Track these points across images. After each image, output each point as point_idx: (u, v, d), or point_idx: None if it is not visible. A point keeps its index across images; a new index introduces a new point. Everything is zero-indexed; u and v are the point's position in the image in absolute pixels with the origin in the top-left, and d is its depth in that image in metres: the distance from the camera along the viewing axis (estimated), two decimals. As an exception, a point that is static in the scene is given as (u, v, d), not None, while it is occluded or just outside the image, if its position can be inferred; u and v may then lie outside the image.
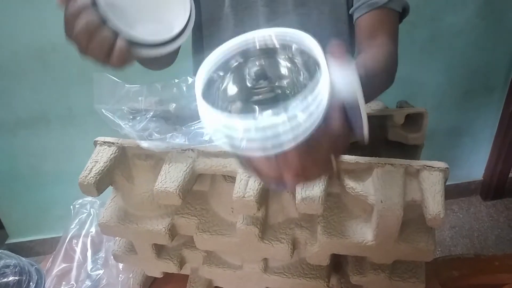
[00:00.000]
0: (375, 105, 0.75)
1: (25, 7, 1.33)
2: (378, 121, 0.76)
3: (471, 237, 1.92)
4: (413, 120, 0.73)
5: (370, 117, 0.72)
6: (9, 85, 1.46)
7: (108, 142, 0.60)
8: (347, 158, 0.55)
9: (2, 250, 0.57)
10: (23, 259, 0.58)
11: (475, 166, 2.07)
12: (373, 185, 0.52)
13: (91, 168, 0.57)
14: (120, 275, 0.71)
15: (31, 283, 0.54)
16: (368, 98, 0.45)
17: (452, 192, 2.04)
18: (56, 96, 1.50)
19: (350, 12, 0.76)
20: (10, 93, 1.48)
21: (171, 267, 0.65)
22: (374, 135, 0.76)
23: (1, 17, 1.34)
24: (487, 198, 2.09)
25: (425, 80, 1.64)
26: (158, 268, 0.66)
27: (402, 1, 0.72)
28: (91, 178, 0.56)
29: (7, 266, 0.55)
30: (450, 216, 2.03)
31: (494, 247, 1.85)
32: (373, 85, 0.59)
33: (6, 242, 1.72)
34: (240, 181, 0.53)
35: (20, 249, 1.68)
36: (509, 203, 2.10)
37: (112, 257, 0.67)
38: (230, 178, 0.59)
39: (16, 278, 0.54)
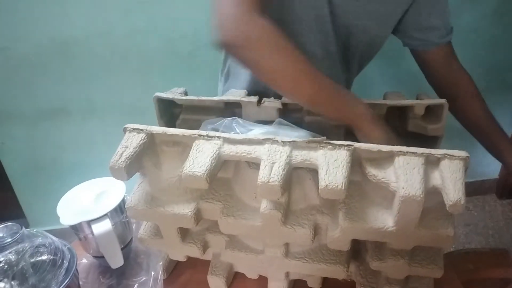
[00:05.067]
0: (396, 96, 0.76)
1: (49, 0, 1.36)
2: (398, 112, 0.77)
3: (486, 235, 1.92)
4: (433, 112, 0.74)
5: (391, 108, 0.74)
6: (31, 77, 1.50)
7: (137, 129, 0.62)
8: (369, 146, 0.56)
9: (38, 230, 0.60)
10: (56, 239, 0.60)
11: (491, 165, 2.06)
12: (394, 173, 0.54)
13: (122, 153, 0.59)
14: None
15: (64, 261, 0.57)
16: None
17: (467, 190, 2.02)
18: (77, 89, 1.54)
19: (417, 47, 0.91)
20: (32, 85, 1.52)
21: (195, 251, 0.67)
22: (394, 126, 0.78)
23: (25, 10, 1.37)
24: (502, 196, 2.08)
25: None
26: (182, 252, 0.68)
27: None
28: (121, 163, 0.58)
29: (43, 245, 0.58)
30: (465, 214, 2.03)
31: (509, 245, 1.85)
32: None
33: (27, 231, 1.77)
34: (265, 166, 0.55)
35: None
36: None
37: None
38: (254, 165, 0.61)
39: (51, 256, 0.57)
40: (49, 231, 0.66)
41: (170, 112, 0.81)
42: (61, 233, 0.68)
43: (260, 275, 0.71)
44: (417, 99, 0.76)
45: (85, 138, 1.64)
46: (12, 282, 0.52)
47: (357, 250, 0.66)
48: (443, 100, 0.73)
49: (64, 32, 1.42)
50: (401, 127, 0.78)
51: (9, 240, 0.55)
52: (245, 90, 0.80)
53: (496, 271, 0.86)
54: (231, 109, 0.79)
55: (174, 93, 0.77)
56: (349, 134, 0.75)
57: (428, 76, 0.95)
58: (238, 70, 0.91)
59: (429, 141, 0.76)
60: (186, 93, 0.78)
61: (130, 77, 1.54)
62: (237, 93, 0.79)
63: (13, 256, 0.54)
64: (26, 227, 0.60)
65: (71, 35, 1.43)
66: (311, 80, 0.62)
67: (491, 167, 2.07)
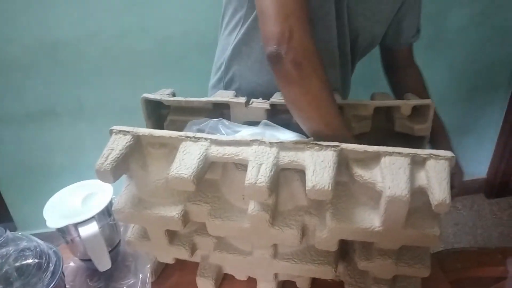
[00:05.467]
0: (383, 97, 0.77)
1: (39, 2, 1.35)
2: (385, 113, 0.78)
3: (474, 234, 1.94)
4: (419, 112, 0.75)
5: (378, 109, 0.74)
6: (20, 78, 1.49)
7: (124, 131, 0.62)
8: (355, 147, 0.56)
9: (22, 233, 0.59)
10: (42, 242, 0.60)
11: (479, 164, 2.08)
12: (381, 173, 0.54)
13: (107, 156, 0.59)
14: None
15: (50, 265, 0.56)
16: None
17: (456, 189, 2.04)
18: (66, 91, 1.53)
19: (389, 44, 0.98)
20: (21, 87, 1.50)
21: (183, 253, 0.67)
22: (381, 126, 0.78)
23: (14, 11, 1.36)
24: (491, 196, 2.10)
25: (430, 77, 1.64)
26: (170, 254, 0.68)
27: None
28: (107, 165, 0.57)
29: (28, 249, 0.57)
30: (454, 214, 2.04)
31: (497, 244, 1.86)
32: None
33: (15, 235, 1.74)
34: (252, 168, 0.55)
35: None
36: (512, 201, 2.12)
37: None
38: (241, 166, 0.61)
39: (36, 260, 0.56)
40: (37, 235, 0.65)
41: (158, 113, 0.81)
42: (49, 236, 0.67)
43: (249, 276, 0.71)
44: (403, 99, 0.76)
45: (74, 140, 1.63)
46: (-4, 287, 0.52)
47: (345, 251, 0.67)
48: (429, 101, 0.73)
49: (53, 34, 1.41)
50: (388, 127, 0.78)
51: (-8, 244, 0.55)
52: (234, 91, 0.80)
53: (485, 270, 0.87)
54: (219, 110, 0.79)
55: (162, 94, 0.77)
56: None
57: (389, 74, 1.03)
58: (246, 77, 0.90)
59: (416, 141, 0.76)
60: (174, 94, 0.78)
61: (120, 79, 1.53)
62: (225, 94, 0.79)
63: (-4, 261, 0.54)
64: (13, 230, 0.60)
65: (61, 37, 1.41)
66: (325, 118, 0.62)
67: (480, 167, 2.09)
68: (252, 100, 0.76)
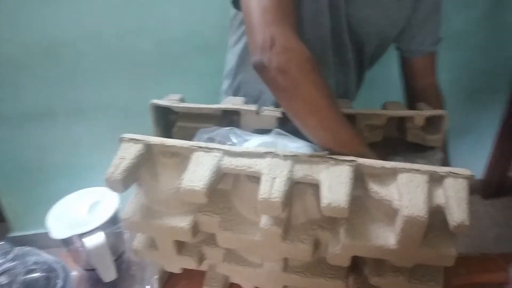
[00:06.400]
0: (395, 106, 0.76)
1: (37, 0, 1.32)
2: (396, 122, 0.77)
3: (471, 235, 1.94)
4: (432, 122, 0.74)
5: (389, 118, 0.73)
6: (17, 78, 1.46)
7: (134, 139, 0.60)
8: (372, 163, 0.55)
9: (30, 248, 0.58)
10: (49, 256, 0.58)
11: (476, 165, 2.09)
12: (397, 190, 0.53)
13: (118, 165, 0.57)
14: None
15: (58, 280, 0.55)
16: None
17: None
18: (64, 91, 1.50)
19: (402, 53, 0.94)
20: (18, 86, 1.48)
21: (191, 263, 0.66)
22: (392, 136, 0.77)
23: (11, 10, 1.33)
24: (487, 197, 2.10)
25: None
26: (178, 264, 0.67)
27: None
28: (118, 175, 0.56)
29: (36, 263, 0.55)
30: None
31: (494, 245, 1.87)
32: None
33: (8, 236, 1.72)
34: (266, 182, 0.54)
35: (22, 243, 1.67)
36: (508, 202, 2.11)
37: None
38: (254, 178, 0.60)
39: (46, 275, 0.55)
40: (32, 236, 0.64)
41: (166, 119, 0.79)
42: (45, 238, 0.65)
43: (255, 287, 0.70)
44: (416, 109, 0.76)
45: (72, 141, 1.60)
46: (6, 305, 0.50)
47: (355, 263, 0.66)
48: (443, 112, 0.73)
49: (52, 33, 1.38)
50: (399, 136, 0.78)
51: (0, 261, 0.53)
52: (244, 98, 0.79)
53: (488, 276, 0.87)
54: (229, 117, 0.77)
55: (170, 100, 0.76)
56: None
57: (404, 85, 0.98)
58: (251, 84, 0.90)
59: (427, 151, 0.76)
60: (183, 100, 0.77)
61: (120, 79, 1.50)
62: (235, 101, 0.77)
63: (5, 278, 0.52)
64: (7, 231, 0.58)
65: (59, 36, 1.39)
66: (324, 124, 0.60)
67: (476, 168, 2.10)
68: (263, 107, 0.75)
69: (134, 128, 0.61)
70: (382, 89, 1.06)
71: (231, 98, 0.80)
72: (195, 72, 1.51)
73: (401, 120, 0.77)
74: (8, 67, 1.42)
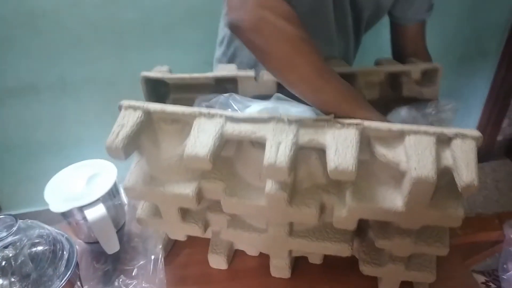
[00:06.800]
0: (390, 63, 0.75)
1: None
2: (392, 80, 0.76)
3: (472, 198, 1.96)
4: (426, 77, 0.74)
5: (386, 75, 0.73)
6: (-5, 52, 1.39)
7: (134, 106, 0.58)
8: (379, 125, 0.55)
9: (33, 220, 0.56)
10: (52, 229, 0.57)
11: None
12: (405, 152, 0.53)
13: (118, 132, 0.56)
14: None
15: (64, 252, 0.54)
16: None
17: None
18: (47, 64, 1.43)
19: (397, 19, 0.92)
20: (-3, 61, 1.41)
21: (196, 230, 0.65)
22: (387, 92, 0.77)
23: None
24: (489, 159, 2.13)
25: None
26: (183, 231, 0.67)
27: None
28: (118, 142, 0.55)
29: (41, 236, 0.54)
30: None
31: (482, 207, 1.90)
32: None
33: (-1, 215, 1.67)
34: (271, 147, 0.53)
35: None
36: (496, 165, 2.15)
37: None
38: (257, 144, 0.59)
39: (51, 247, 0.53)
40: (23, 215, 0.62)
41: (157, 92, 0.77)
42: (35, 216, 0.63)
43: (260, 252, 0.70)
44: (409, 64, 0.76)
45: (57, 116, 1.55)
46: (12, 278, 0.49)
47: (360, 227, 0.66)
48: (438, 64, 0.72)
49: (29, 2, 1.31)
50: (395, 93, 0.77)
51: (4, 234, 0.51)
52: (236, 65, 0.77)
53: (483, 235, 0.89)
54: (223, 85, 0.75)
55: (160, 72, 0.73)
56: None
57: (395, 51, 0.97)
58: (246, 52, 0.87)
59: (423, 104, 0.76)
60: (170, 72, 0.74)
61: (103, 51, 1.45)
62: (227, 68, 0.74)
63: (11, 251, 0.51)
64: None
65: (38, 6, 1.31)
66: (306, 80, 0.57)
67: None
68: (262, 72, 0.73)
69: (120, 101, 0.59)
70: (372, 54, 1.06)
71: (223, 65, 0.78)
72: (182, 42, 1.46)
73: (394, 77, 0.76)
74: (-16, 40, 1.36)
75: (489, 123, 2.02)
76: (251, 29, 0.56)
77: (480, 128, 2.08)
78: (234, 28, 0.58)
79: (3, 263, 0.50)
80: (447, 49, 1.76)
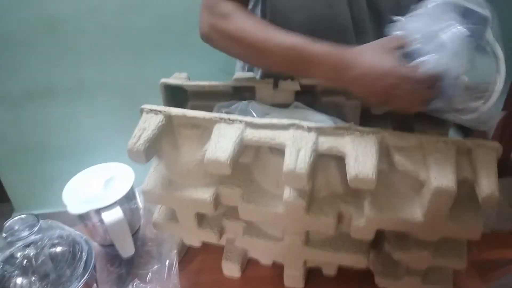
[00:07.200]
0: None
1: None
2: None
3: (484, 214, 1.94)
4: None
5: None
6: (17, 55, 1.42)
7: (155, 110, 0.59)
8: (397, 134, 0.55)
9: (53, 221, 0.57)
10: (72, 230, 0.57)
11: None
12: (424, 162, 0.53)
13: (140, 136, 0.56)
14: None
15: (83, 253, 0.54)
16: None
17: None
18: (66, 69, 1.46)
19: None
20: (18, 64, 1.44)
21: (212, 237, 0.65)
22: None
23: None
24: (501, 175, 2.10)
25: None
26: (198, 237, 0.67)
27: None
28: (140, 145, 0.55)
29: (61, 237, 0.54)
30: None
31: (495, 223, 1.88)
32: None
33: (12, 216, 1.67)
34: (291, 153, 0.53)
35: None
36: (508, 182, 2.13)
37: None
38: (276, 150, 0.59)
39: (71, 248, 0.54)
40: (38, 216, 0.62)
41: (175, 98, 0.77)
42: (47, 217, 0.64)
43: (274, 261, 0.70)
44: None
45: (73, 120, 1.57)
46: (33, 278, 0.49)
47: (375, 239, 0.65)
48: None
49: (51, 8, 1.34)
50: None
51: (26, 233, 0.52)
52: (252, 73, 0.77)
53: (499, 253, 0.87)
54: (240, 93, 0.75)
55: (179, 78, 0.74)
56: (366, 114, 0.74)
57: None
58: None
59: (441, 120, 0.75)
60: (189, 78, 0.75)
61: (121, 56, 1.47)
62: (244, 76, 0.75)
63: (32, 250, 0.51)
64: (10, 212, 0.57)
65: (59, 11, 1.34)
66: (265, 55, 0.64)
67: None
68: (280, 81, 0.73)
69: (136, 107, 0.60)
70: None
71: (242, 73, 0.78)
72: (197, 49, 1.48)
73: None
74: (6, 44, 1.38)
75: (503, 139, 2.01)
76: (207, 39, 0.70)
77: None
78: (203, 39, 0.71)
79: (24, 261, 0.50)
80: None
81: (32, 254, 0.51)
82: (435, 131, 0.68)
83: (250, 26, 0.64)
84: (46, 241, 0.52)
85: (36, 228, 0.52)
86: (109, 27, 1.41)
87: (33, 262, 0.50)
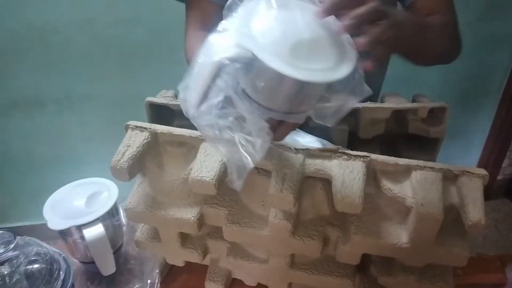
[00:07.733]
0: (395, 98, 0.75)
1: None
2: (398, 115, 0.76)
3: (471, 237, 1.94)
4: (434, 114, 0.73)
5: (392, 112, 0.73)
6: (4, 64, 1.40)
7: (140, 127, 0.58)
8: (385, 158, 0.54)
9: (31, 237, 0.55)
10: (50, 247, 0.56)
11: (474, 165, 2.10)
12: (411, 188, 0.52)
13: (124, 152, 0.55)
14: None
15: (60, 272, 0.52)
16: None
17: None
18: (54, 79, 1.45)
19: None
20: (5, 74, 1.42)
21: (195, 257, 0.64)
22: (392, 128, 0.76)
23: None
24: (487, 198, 2.11)
25: (423, 81, 1.65)
26: (181, 257, 0.65)
27: None
28: (124, 163, 0.54)
29: (38, 254, 0.53)
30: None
31: (482, 247, 1.88)
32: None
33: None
34: (277, 175, 0.53)
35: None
36: (495, 205, 2.13)
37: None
38: (262, 171, 0.58)
39: (48, 266, 0.52)
40: (19, 228, 0.61)
41: (161, 116, 0.77)
42: (32, 230, 0.62)
43: (258, 282, 0.69)
44: (414, 101, 0.75)
45: (61, 132, 1.55)
46: (6, 297, 0.47)
47: (361, 262, 0.65)
48: (445, 103, 0.72)
49: (41, 18, 1.33)
50: (400, 129, 0.77)
51: (2, 250, 0.50)
52: None
53: (485, 277, 0.87)
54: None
55: (165, 97, 0.73)
56: (353, 137, 0.74)
57: None
58: None
59: (429, 143, 0.75)
60: (176, 97, 0.74)
61: (111, 69, 1.46)
62: None
63: (7, 269, 0.49)
64: None
65: (49, 22, 1.33)
66: None
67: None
68: None
69: (124, 121, 0.59)
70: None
71: None
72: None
73: (402, 112, 0.76)
74: (-6, 53, 1.37)
75: (489, 162, 2.02)
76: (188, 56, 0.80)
77: (480, 166, 2.07)
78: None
79: (-2, 281, 0.48)
80: (449, 87, 1.78)
81: (6, 272, 0.49)
82: (422, 158, 0.67)
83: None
84: (22, 258, 0.50)
85: (12, 245, 0.50)
86: (100, 39, 1.40)
87: (7, 280, 0.48)
